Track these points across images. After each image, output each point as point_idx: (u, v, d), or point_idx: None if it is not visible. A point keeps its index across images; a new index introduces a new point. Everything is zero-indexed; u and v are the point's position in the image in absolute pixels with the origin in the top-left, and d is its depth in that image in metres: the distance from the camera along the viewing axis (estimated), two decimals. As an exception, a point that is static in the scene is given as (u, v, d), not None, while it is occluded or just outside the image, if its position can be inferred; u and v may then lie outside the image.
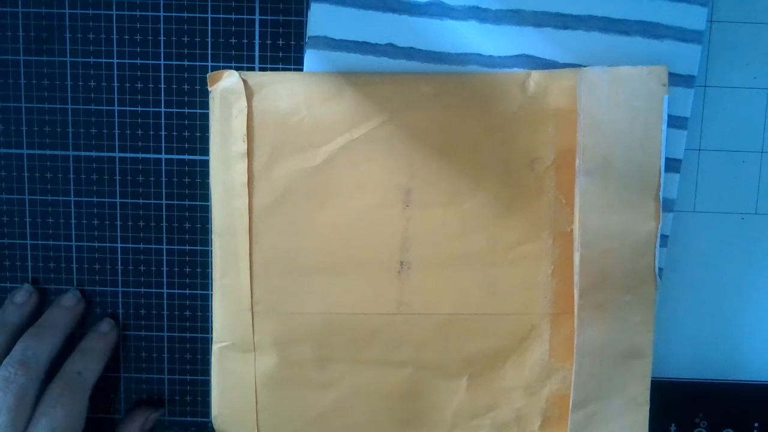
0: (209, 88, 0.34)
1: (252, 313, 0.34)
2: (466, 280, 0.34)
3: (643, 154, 0.32)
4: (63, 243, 0.36)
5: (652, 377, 0.34)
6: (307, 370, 0.35)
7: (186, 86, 0.35)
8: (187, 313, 0.37)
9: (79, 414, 0.33)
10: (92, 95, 0.36)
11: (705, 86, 0.35)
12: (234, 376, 0.35)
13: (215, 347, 0.35)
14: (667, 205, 0.34)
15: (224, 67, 0.35)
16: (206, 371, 0.37)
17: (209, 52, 0.35)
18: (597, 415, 0.34)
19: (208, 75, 0.34)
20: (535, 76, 0.33)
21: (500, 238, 0.34)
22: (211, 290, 0.35)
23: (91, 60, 0.35)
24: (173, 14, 0.35)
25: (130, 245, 0.36)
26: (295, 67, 0.35)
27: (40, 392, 0.33)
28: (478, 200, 0.34)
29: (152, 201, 0.36)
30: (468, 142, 0.33)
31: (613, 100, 0.32)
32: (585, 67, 0.33)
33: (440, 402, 0.35)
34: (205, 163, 0.35)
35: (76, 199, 0.36)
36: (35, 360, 0.33)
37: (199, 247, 0.36)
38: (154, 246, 0.36)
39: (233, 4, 0.35)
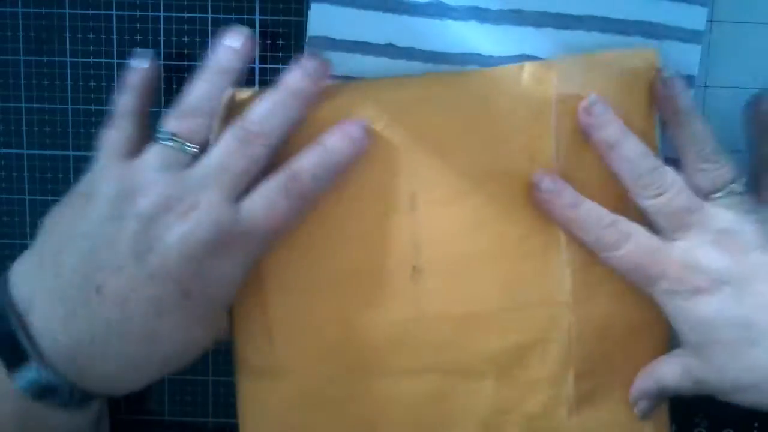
0: None
1: (270, 335, 0.33)
2: (479, 277, 0.33)
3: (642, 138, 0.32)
4: (63, 243, 0.36)
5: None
6: (331, 386, 0.33)
7: (186, 86, 0.35)
8: (187, 313, 0.37)
9: None
10: (92, 95, 0.36)
11: (705, 86, 0.35)
12: (259, 400, 0.34)
13: (237, 374, 0.34)
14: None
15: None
16: (206, 371, 0.37)
17: (209, 52, 0.35)
18: (621, 399, 0.34)
19: None
20: (529, 68, 0.33)
21: (509, 233, 0.33)
22: None
23: (91, 60, 0.35)
24: (173, 14, 0.35)
25: (130, 245, 0.36)
26: (295, 67, 0.35)
27: None
28: (483, 197, 0.33)
29: (152, 201, 0.36)
30: (468, 139, 0.33)
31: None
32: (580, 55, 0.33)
33: (468, 404, 0.34)
34: (205, 163, 0.35)
35: (76, 199, 0.36)
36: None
37: (199, 247, 0.36)
38: (154, 246, 0.36)
39: (233, 4, 0.35)
